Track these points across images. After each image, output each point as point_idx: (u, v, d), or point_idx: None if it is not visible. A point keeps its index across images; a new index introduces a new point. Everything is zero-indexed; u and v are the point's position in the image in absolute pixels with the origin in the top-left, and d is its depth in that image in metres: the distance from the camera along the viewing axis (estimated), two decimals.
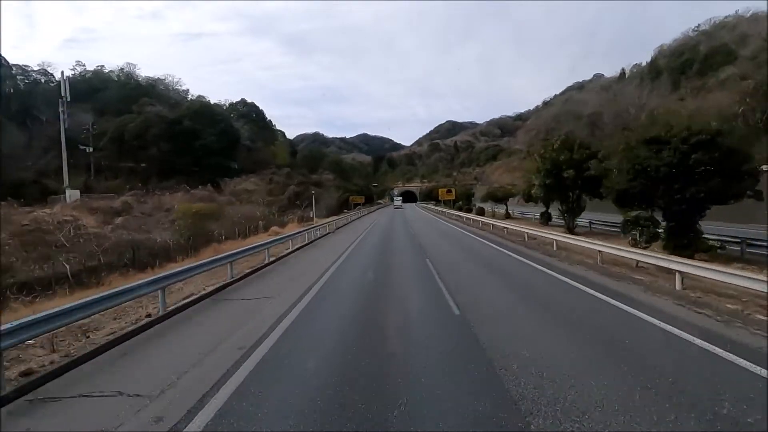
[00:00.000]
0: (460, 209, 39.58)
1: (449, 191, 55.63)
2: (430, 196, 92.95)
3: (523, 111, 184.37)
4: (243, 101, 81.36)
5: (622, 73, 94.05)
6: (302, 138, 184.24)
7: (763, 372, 3.96)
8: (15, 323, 4.31)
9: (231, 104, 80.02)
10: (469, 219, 28.63)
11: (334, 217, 33.64)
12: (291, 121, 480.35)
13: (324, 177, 75.92)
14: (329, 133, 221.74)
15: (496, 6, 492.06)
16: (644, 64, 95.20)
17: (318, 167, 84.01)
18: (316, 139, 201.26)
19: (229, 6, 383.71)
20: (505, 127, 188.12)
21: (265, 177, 49.47)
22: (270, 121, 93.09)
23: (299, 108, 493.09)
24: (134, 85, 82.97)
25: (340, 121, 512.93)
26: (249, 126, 74.24)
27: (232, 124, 58.36)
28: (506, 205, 33.02)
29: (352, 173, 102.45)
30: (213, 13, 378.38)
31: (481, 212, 32.39)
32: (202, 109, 56.08)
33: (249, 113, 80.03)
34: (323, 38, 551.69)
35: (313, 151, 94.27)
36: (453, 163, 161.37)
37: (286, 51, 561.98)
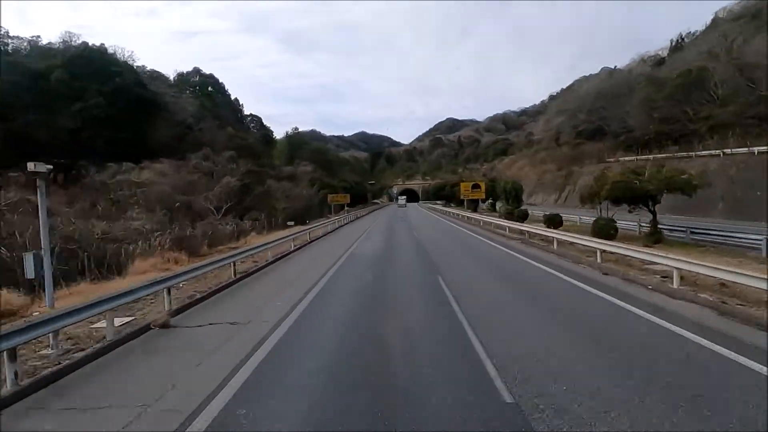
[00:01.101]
0: (513, 216, 20.59)
1: (476, 187, 36.87)
2: (438, 195, 74.67)
3: (527, 106, 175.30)
4: (197, 70, 61.95)
5: (678, 43, 76.20)
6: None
7: None
8: None
9: (180, 74, 60.81)
10: (591, 249, 10.09)
11: (267, 241, 15.14)
12: (288, 119, 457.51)
13: (300, 169, 57.21)
14: (327, 132, 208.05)
15: (495, 4, 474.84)
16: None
17: (296, 157, 65.63)
18: (314, 136, 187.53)
19: (226, 4, 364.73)
20: (509, 122, 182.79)
21: (186, 164, 30.40)
22: (237, 99, 74.41)
23: (297, 106, 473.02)
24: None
25: (338, 119, 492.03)
26: (199, 100, 55.13)
27: (141, 82, 38.32)
28: (654, 211, 14.13)
29: (341, 167, 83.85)
30: (211, 11, 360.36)
31: (607, 231, 13.50)
32: (87, 56, 35.31)
33: (204, 86, 60.84)
34: (321, 36, 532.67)
35: (292, 139, 75.00)
36: (457, 159, 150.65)
37: (284, 49, 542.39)
